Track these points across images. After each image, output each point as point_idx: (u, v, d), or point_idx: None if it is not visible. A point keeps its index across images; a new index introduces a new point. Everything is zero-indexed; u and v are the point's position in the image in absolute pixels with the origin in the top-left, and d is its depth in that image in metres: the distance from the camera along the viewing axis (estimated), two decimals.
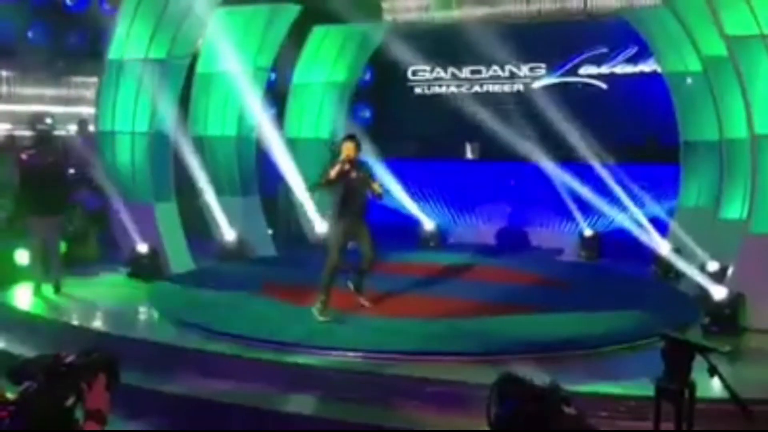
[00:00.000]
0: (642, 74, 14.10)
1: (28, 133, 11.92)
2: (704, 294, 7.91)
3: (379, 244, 8.14)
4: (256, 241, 11.52)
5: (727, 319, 7.56)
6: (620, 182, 11.43)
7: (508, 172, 13.38)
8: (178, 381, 6.65)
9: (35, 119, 11.61)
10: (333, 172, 7.65)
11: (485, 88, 15.73)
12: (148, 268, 9.74)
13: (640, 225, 11.02)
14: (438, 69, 15.99)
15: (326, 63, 13.61)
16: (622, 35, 13.44)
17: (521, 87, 15.38)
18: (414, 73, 16.07)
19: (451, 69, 15.90)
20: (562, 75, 15.06)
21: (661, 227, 11.01)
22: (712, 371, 3.51)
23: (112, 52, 10.01)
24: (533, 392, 2.29)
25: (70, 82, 14.72)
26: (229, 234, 11.16)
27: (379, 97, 16.27)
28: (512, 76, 15.49)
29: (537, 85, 15.21)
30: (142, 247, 9.79)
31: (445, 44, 14.94)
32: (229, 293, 8.69)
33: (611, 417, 5.68)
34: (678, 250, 10.10)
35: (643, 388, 5.21)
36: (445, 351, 6.87)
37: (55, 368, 2.41)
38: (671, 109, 11.01)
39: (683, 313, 8.15)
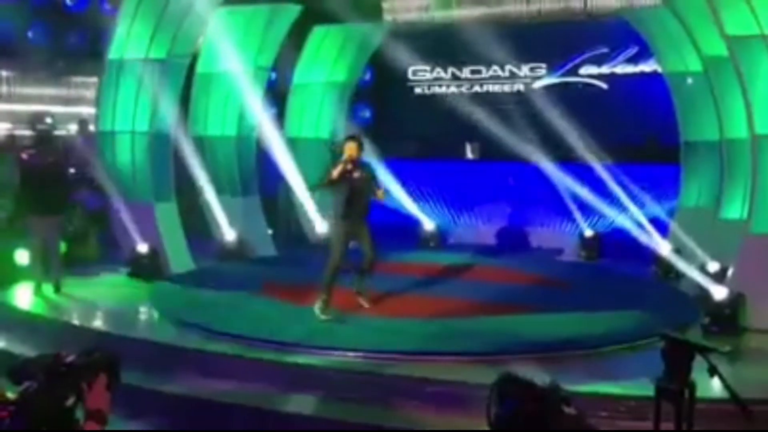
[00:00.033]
0: (642, 74, 14.10)
1: (28, 132, 11.94)
2: (704, 294, 7.91)
3: (379, 244, 8.15)
4: (256, 241, 11.52)
5: (727, 319, 7.56)
6: (620, 182, 11.43)
7: (508, 172, 13.38)
8: (179, 381, 6.65)
9: (35, 119, 11.63)
10: (335, 172, 7.67)
11: (485, 88, 15.73)
12: (148, 268, 9.74)
13: (640, 225, 11.02)
14: (438, 69, 15.99)
15: (326, 63, 13.61)
16: (622, 35, 13.44)
17: (521, 87, 15.37)
18: (414, 73, 16.07)
19: (451, 69, 15.90)
20: (563, 75, 15.05)
21: (662, 227, 11.01)
22: (712, 371, 3.51)
23: (113, 52, 10.02)
24: (533, 392, 2.29)
25: (71, 81, 14.72)
26: (229, 234, 11.17)
27: (379, 97, 16.27)
28: (512, 76, 15.49)
29: (537, 85, 15.22)
30: (143, 247, 9.79)
31: (445, 44, 14.94)
32: (229, 293, 8.69)
33: (611, 417, 5.68)
34: (678, 250, 10.10)
35: (643, 388, 5.21)
36: (445, 351, 6.87)
37: (55, 368, 2.41)
38: (672, 109, 11.01)
39: (683, 313, 8.16)
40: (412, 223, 13.32)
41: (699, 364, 3.75)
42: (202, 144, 11.53)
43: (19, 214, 9.75)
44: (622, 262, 11.11)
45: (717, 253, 8.94)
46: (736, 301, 7.62)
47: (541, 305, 8.41)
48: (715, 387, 3.90)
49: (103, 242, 10.99)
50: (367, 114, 16.24)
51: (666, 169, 11.49)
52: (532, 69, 15.30)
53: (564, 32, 14.70)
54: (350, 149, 7.71)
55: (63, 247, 9.71)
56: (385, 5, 16.29)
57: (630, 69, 14.37)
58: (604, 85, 14.69)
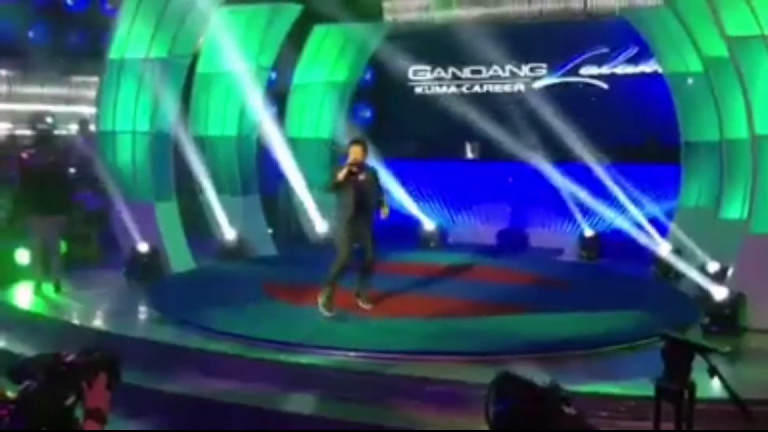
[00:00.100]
0: (643, 74, 14.09)
1: (28, 132, 11.94)
2: (704, 294, 7.91)
3: (379, 244, 8.22)
4: (257, 240, 11.53)
5: (727, 319, 7.56)
6: (620, 182, 11.43)
7: (508, 172, 13.38)
8: (179, 380, 6.65)
9: (36, 119, 11.64)
10: (341, 175, 7.79)
11: (486, 88, 15.73)
12: (148, 268, 9.74)
13: (640, 225, 11.02)
14: (438, 69, 15.99)
15: (327, 63, 13.61)
16: (622, 35, 13.43)
17: (522, 87, 15.37)
18: (414, 73, 16.07)
19: (451, 69, 15.90)
20: (563, 75, 15.05)
21: (662, 227, 11.01)
22: (712, 371, 3.51)
23: (113, 52, 10.01)
24: (532, 392, 2.29)
25: (71, 81, 14.73)
26: (229, 233, 11.17)
27: (380, 97, 16.28)
28: (513, 76, 15.48)
29: (537, 85, 15.21)
30: (143, 247, 9.79)
31: (445, 44, 14.91)
32: (229, 293, 8.70)
33: (611, 417, 5.68)
34: (678, 250, 10.10)
35: (643, 388, 5.21)
36: (445, 351, 6.88)
37: (55, 367, 2.41)
38: (672, 109, 11.01)
39: (683, 313, 8.16)
40: (413, 223, 13.32)
41: (699, 364, 3.75)
42: (202, 143, 11.54)
43: (19, 214, 9.75)
44: (622, 263, 11.11)
45: (717, 253, 8.94)
46: (736, 301, 7.62)
47: (541, 305, 8.42)
48: (715, 387, 3.90)
49: (104, 242, 10.99)
50: (367, 114, 16.24)
51: (666, 169, 11.50)
52: (532, 69, 15.30)
53: (564, 32, 14.70)
54: (355, 152, 7.85)
55: (63, 246, 9.71)
56: (385, 5, 16.28)
57: (630, 69, 14.36)
58: (605, 86, 14.68)
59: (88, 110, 13.00)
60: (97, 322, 8.37)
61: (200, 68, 11.62)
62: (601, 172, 11.49)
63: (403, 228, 13.01)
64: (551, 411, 2.26)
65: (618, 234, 11.70)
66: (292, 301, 8.52)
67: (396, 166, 12.87)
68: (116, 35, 9.97)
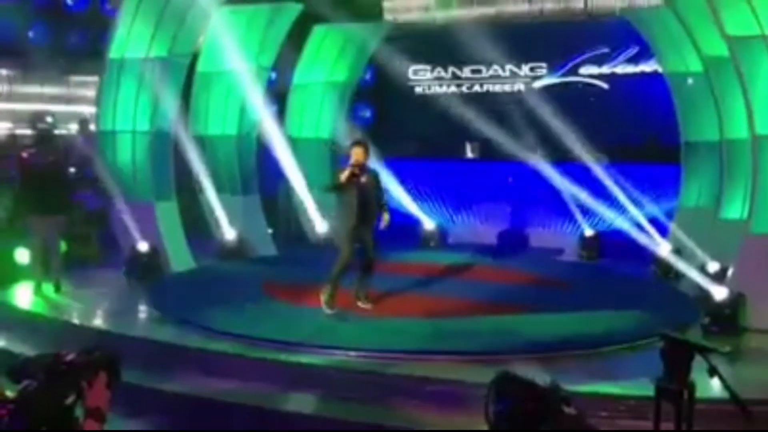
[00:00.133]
0: (643, 74, 14.10)
1: (28, 132, 11.94)
2: (704, 294, 7.91)
3: (379, 244, 8.26)
4: (257, 240, 11.53)
5: (727, 319, 7.56)
6: (620, 182, 11.43)
7: (508, 172, 13.37)
8: (179, 380, 6.65)
9: (36, 118, 11.62)
10: (343, 177, 7.88)
11: (486, 87, 15.74)
12: (148, 267, 9.73)
13: (640, 225, 11.01)
14: (438, 69, 16.00)
15: (327, 63, 13.61)
16: (623, 35, 13.43)
17: (522, 87, 15.37)
18: (415, 72, 16.07)
19: (451, 69, 15.90)
20: (563, 75, 15.05)
21: (662, 227, 11.01)
22: (712, 371, 3.51)
23: (113, 51, 10.01)
24: (531, 391, 2.29)
25: (71, 81, 14.73)
26: (229, 233, 11.17)
27: (380, 97, 16.28)
28: (513, 76, 15.49)
29: (538, 84, 15.21)
30: (143, 246, 9.79)
31: (445, 44, 14.90)
32: (229, 292, 8.69)
33: (611, 417, 5.68)
34: (678, 250, 10.10)
35: (642, 388, 5.21)
36: (445, 350, 6.88)
37: (55, 367, 2.41)
38: (672, 109, 11.00)
39: (683, 313, 8.16)
40: (413, 222, 13.32)
41: (699, 364, 3.75)
42: (202, 143, 11.53)
43: (19, 214, 9.75)
44: (622, 263, 11.10)
45: (717, 253, 8.94)
46: (736, 301, 7.62)
47: (541, 305, 8.42)
48: (714, 387, 3.90)
49: (103, 241, 10.99)
50: (367, 114, 16.24)
51: (666, 169, 11.49)
52: (532, 69, 15.30)
53: (564, 32, 14.70)
54: (357, 154, 7.93)
55: (63, 246, 9.71)
56: (385, 5, 16.29)
57: (630, 69, 14.37)
58: (605, 85, 14.69)
59: (88, 110, 13.00)
60: (97, 322, 8.37)
61: (200, 67, 11.62)
62: (601, 171, 11.48)
63: (404, 228, 13.00)
64: (551, 411, 2.26)
65: (618, 234, 11.69)
66: (292, 300, 8.52)
67: (396, 166, 12.87)
68: (116, 35, 9.97)
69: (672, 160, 11.11)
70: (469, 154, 14.56)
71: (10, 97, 14.07)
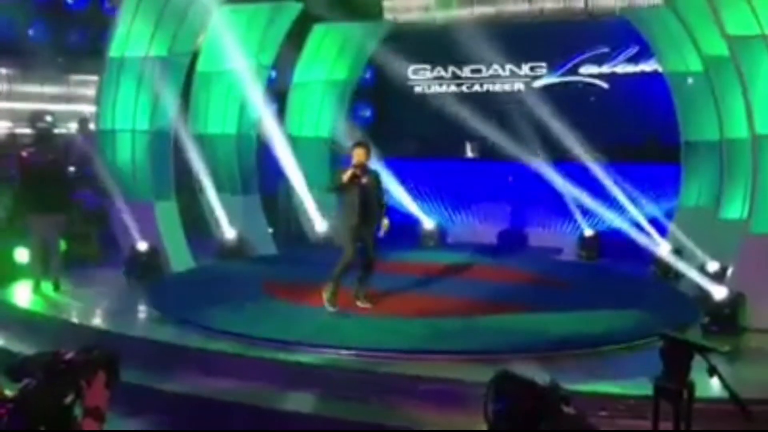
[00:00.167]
0: (643, 74, 14.10)
1: (28, 131, 11.93)
2: (704, 294, 7.91)
3: (379, 244, 8.28)
4: (257, 239, 11.52)
5: (727, 319, 7.55)
6: (620, 182, 11.42)
7: (508, 172, 13.37)
8: (178, 379, 6.65)
9: (36, 117, 11.63)
10: (345, 177, 7.99)
11: (485, 87, 15.74)
12: (148, 267, 9.73)
13: (640, 225, 11.01)
14: (438, 68, 16.00)
15: (327, 62, 13.60)
16: (623, 35, 13.43)
17: (522, 86, 15.37)
18: (414, 72, 16.07)
19: (451, 68, 15.91)
20: (563, 74, 15.05)
21: (662, 227, 11.00)
22: (712, 371, 3.51)
23: (113, 50, 10.01)
24: (530, 390, 2.29)
25: (71, 80, 14.73)
26: (229, 232, 11.17)
27: (380, 96, 16.28)
28: (513, 75, 15.49)
29: (537, 84, 15.21)
30: (142, 246, 9.78)
31: (445, 43, 14.91)
32: (229, 292, 8.69)
33: (610, 416, 5.68)
34: (678, 250, 10.09)
35: (642, 387, 5.21)
36: (444, 350, 6.88)
37: (54, 366, 2.41)
38: (672, 108, 11.00)
39: (683, 313, 8.15)
40: (412, 222, 13.32)
41: (698, 364, 3.74)
42: (202, 142, 11.53)
43: (19, 213, 9.75)
44: (622, 262, 11.10)
45: (717, 253, 8.94)
46: (736, 301, 7.61)
47: (541, 305, 8.42)
48: (714, 387, 3.90)
49: (103, 241, 10.99)
50: (367, 113, 16.23)
51: (666, 169, 11.49)
52: (532, 68, 15.31)
53: (564, 32, 14.70)
54: (358, 155, 8.02)
55: (63, 245, 9.71)
56: (385, 5, 16.29)
57: (630, 69, 14.37)
58: (605, 85, 14.68)
59: (87, 109, 13.01)
60: (97, 321, 8.37)
61: (200, 66, 11.61)
62: (600, 171, 11.48)
63: (403, 227, 13.00)
64: (550, 410, 2.26)
65: (618, 234, 11.68)
66: (291, 300, 8.52)
67: (396, 166, 12.86)
68: (116, 34, 9.96)
69: (672, 160, 11.11)
70: (469, 154, 14.56)
71: (9, 96, 14.07)
